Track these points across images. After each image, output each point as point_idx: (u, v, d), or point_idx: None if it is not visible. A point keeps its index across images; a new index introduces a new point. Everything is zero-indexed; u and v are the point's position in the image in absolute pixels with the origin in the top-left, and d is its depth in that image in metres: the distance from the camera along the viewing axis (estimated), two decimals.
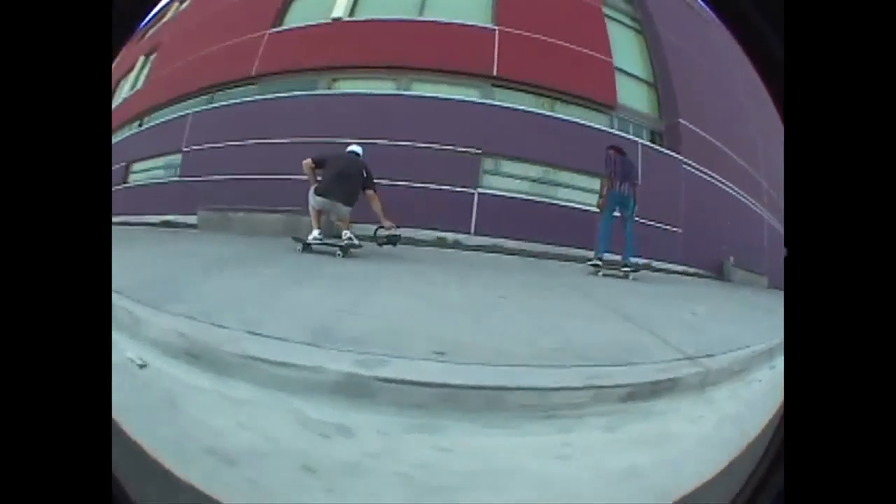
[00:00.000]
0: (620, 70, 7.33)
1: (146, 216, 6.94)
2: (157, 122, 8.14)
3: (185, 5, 8.99)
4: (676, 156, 7.05)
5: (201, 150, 7.30)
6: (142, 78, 8.97)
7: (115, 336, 1.89)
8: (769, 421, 0.95)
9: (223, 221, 6.21)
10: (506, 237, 6.20)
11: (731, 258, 6.58)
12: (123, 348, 1.88)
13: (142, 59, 8.88)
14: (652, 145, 7.22)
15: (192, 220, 6.53)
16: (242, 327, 1.98)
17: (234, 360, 1.75)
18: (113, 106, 8.81)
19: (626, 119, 7.22)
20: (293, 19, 7.78)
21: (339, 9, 7.36)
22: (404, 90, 7.02)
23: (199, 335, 1.91)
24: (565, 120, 6.88)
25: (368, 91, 7.09)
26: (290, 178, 5.81)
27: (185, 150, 7.44)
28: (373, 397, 1.54)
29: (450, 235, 6.34)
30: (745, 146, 7.42)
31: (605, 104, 7.15)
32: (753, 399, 1.82)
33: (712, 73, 7.22)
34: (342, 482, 1.23)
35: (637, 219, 5.75)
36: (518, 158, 6.79)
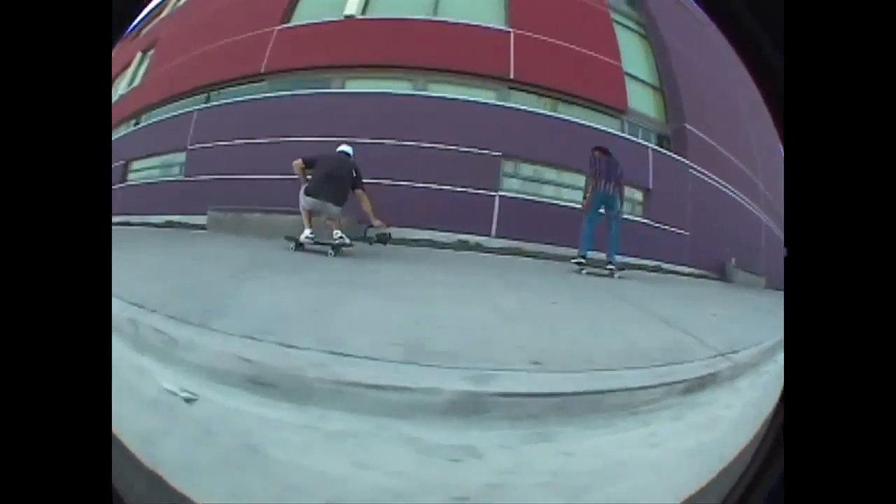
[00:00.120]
0: (629, 74, 7.42)
1: (148, 216, 6.86)
2: (159, 119, 7.98)
3: (183, 1, 8.91)
4: (683, 160, 7.18)
5: (208, 147, 7.16)
6: (140, 74, 8.83)
7: (144, 361, 1.76)
8: (776, 406, 0.99)
9: (236, 222, 6.03)
10: (526, 240, 6.19)
11: (733, 260, 6.73)
12: (157, 377, 1.65)
13: (139, 55, 8.77)
14: (660, 149, 7.32)
15: (199, 220, 6.38)
16: (319, 346, 1.76)
17: (324, 387, 1.53)
18: (113, 101, 8.72)
19: (635, 123, 7.31)
20: (302, 15, 7.68)
21: (352, 6, 7.30)
22: (421, 90, 7.00)
23: (269, 359, 1.66)
24: (582, 124, 6.94)
25: (385, 90, 6.98)
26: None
27: (191, 147, 7.34)
28: (486, 413, 1.53)
29: (471, 238, 6.37)
30: (744, 150, 7.52)
31: (617, 108, 7.24)
32: (767, 387, 2.00)
33: (713, 77, 7.30)
34: None
35: (648, 221, 5.82)
36: (537, 161, 6.81)
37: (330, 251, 4.74)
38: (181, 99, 7.79)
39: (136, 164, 8.13)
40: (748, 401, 1.91)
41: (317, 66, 7.19)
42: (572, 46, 7.14)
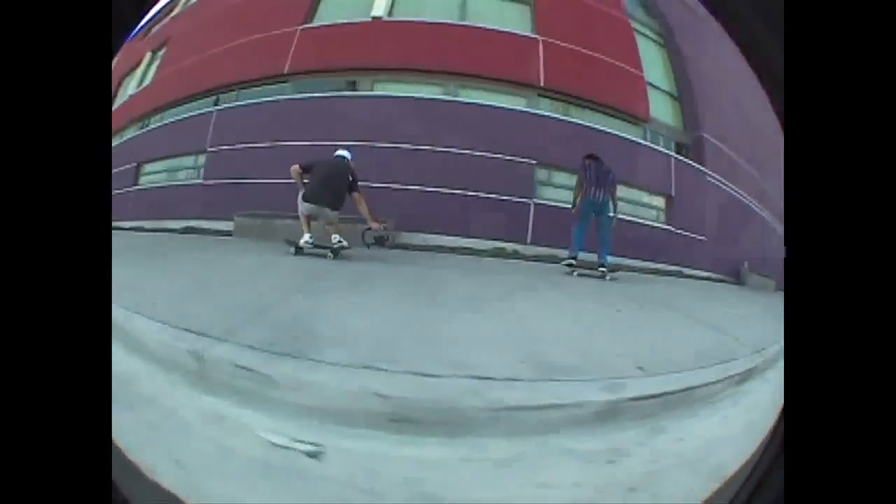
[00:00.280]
0: (650, 84, 7.50)
1: (163, 221, 6.72)
2: (175, 119, 7.76)
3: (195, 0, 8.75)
4: (700, 167, 7.31)
5: (229, 150, 7.02)
6: (151, 75, 8.62)
7: (222, 407, 1.52)
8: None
9: (265, 229, 5.78)
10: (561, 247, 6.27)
11: (746, 264, 6.95)
12: (250, 428, 1.39)
13: (149, 54, 8.56)
14: (682, 158, 7.43)
15: (220, 225, 6.28)
16: (453, 371, 1.67)
17: (482, 416, 1.48)
18: (119, 103, 8.51)
19: (656, 132, 7.40)
20: (326, 16, 7.57)
21: (379, 8, 7.21)
22: (452, 95, 6.97)
23: (411, 392, 1.52)
24: (610, 133, 6.99)
25: (417, 95, 6.96)
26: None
27: (211, 149, 7.18)
28: (619, 417, 1.65)
29: (508, 245, 6.41)
30: (754, 155, 7.64)
31: (640, 118, 7.32)
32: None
33: (725, 84, 7.38)
34: None
35: (670, 228, 5.93)
36: (569, 169, 6.86)
37: (329, 254, 4.82)
38: (198, 99, 7.60)
39: (149, 167, 7.91)
40: (775, 389, 2.11)
41: (344, 67, 7.09)
42: (597, 55, 7.18)
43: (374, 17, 7.18)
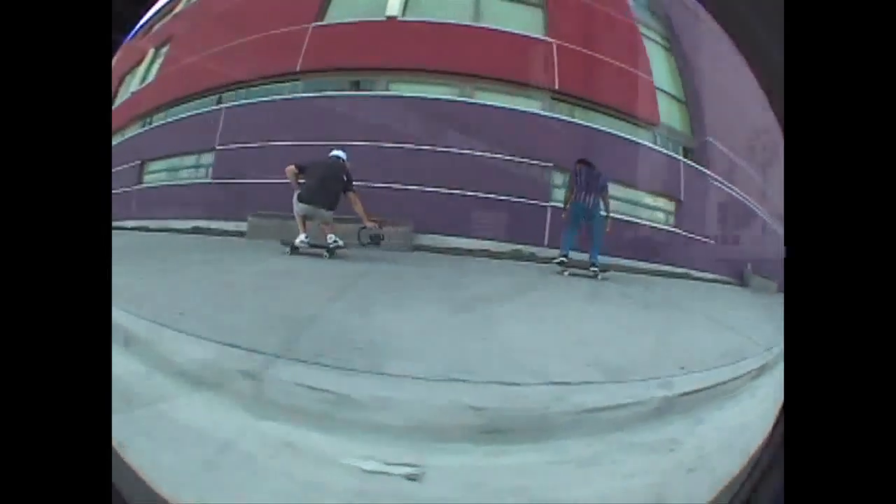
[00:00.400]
0: (659, 89, 7.57)
1: (170, 221, 6.61)
2: (181, 116, 7.54)
3: None
4: (707, 171, 7.41)
5: (239, 148, 6.83)
6: (156, 70, 8.48)
7: (293, 435, 1.39)
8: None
9: (281, 229, 5.58)
10: (580, 251, 6.30)
11: (749, 265, 7.10)
12: (333, 455, 1.29)
13: (152, 51, 8.41)
14: (688, 161, 7.51)
15: (229, 226, 6.16)
16: (536, 380, 1.71)
17: (565, 419, 1.55)
18: (122, 100, 8.37)
19: (666, 136, 7.47)
20: (338, 14, 7.49)
21: (394, 7, 7.16)
22: (468, 97, 6.95)
23: (502, 402, 1.54)
24: (624, 138, 7.03)
25: (433, 96, 6.86)
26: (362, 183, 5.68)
27: (220, 147, 7.06)
28: (671, 410, 1.84)
29: (525, 248, 6.40)
30: (757, 158, 7.75)
31: (650, 122, 7.38)
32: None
33: (729, 88, 7.46)
34: None
35: (679, 231, 5.99)
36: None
37: (325, 254, 4.91)
38: (206, 97, 7.39)
39: (154, 165, 7.76)
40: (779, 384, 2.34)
41: (358, 67, 6.97)
42: (608, 59, 7.22)
43: (388, 17, 7.14)
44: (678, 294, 5.29)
